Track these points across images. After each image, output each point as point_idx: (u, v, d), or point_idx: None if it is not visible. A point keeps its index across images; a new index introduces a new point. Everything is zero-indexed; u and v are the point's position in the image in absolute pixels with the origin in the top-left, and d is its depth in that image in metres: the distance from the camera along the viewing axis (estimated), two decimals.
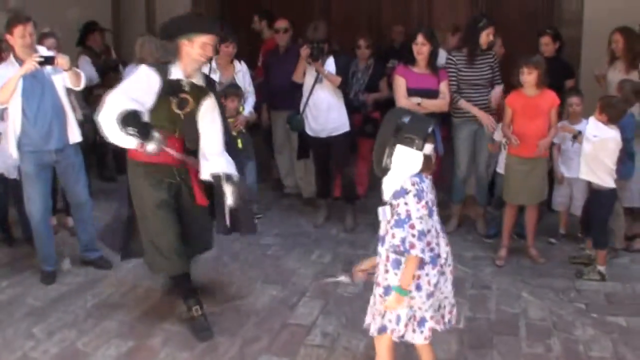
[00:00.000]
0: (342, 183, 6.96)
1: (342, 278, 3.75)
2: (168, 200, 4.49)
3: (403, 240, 3.23)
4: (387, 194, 3.39)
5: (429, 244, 3.33)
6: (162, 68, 4.32)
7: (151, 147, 4.10)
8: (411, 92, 5.89)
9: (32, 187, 5.39)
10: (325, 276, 4.68)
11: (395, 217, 3.29)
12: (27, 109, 5.24)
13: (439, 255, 3.42)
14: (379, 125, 7.12)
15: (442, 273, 3.45)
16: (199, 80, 4.45)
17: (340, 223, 6.82)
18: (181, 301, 4.74)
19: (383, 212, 3.39)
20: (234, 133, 6.41)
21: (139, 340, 4.54)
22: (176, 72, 4.32)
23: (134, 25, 10.27)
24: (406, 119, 3.33)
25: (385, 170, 3.38)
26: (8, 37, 5.22)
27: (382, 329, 3.54)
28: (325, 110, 6.46)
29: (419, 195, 3.26)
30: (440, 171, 6.77)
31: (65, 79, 5.36)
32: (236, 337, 4.52)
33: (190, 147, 4.53)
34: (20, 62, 5.17)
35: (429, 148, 3.32)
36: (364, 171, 7.27)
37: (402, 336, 3.50)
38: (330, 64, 6.45)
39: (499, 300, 5.06)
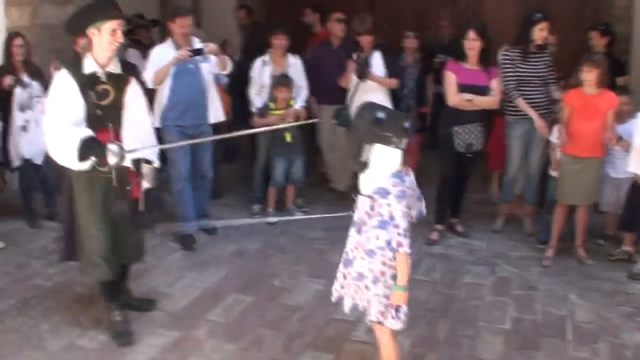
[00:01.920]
0: None
1: None
2: (100, 201, 4.29)
3: (388, 242, 3.31)
4: (365, 190, 3.43)
5: (408, 231, 3.38)
6: (74, 65, 4.19)
7: (113, 161, 4.00)
8: (462, 88, 5.83)
9: (176, 153, 6.11)
10: None
11: (378, 218, 3.34)
12: (176, 88, 6.03)
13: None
14: (426, 120, 7.12)
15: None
16: (116, 68, 4.29)
17: None
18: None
19: (362, 202, 3.47)
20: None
21: (184, 330, 4.57)
22: (90, 65, 4.17)
23: None
24: (381, 115, 3.34)
25: (364, 166, 3.40)
26: (170, 24, 6.12)
27: (354, 308, 3.63)
28: None
29: (400, 196, 3.30)
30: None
31: (213, 65, 6.17)
32: (281, 331, 4.52)
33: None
34: (176, 46, 6.01)
35: (404, 143, 3.35)
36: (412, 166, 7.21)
37: (382, 322, 3.55)
38: (376, 58, 6.46)
39: (545, 302, 4.99)
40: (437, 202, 6.25)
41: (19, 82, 6.31)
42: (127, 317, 4.56)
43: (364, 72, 6.34)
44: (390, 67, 6.52)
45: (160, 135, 5.74)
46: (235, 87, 7.41)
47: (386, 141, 3.31)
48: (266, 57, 6.78)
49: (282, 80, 6.55)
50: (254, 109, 6.76)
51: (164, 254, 5.88)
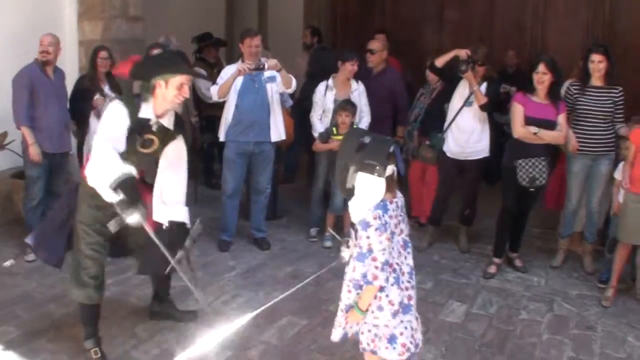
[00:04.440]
0: (464, 204, 6.88)
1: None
2: (105, 227, 4.26)
3: (364, 275, 3.31)
4: (355, 218, 3.39)
5: (390, 265, 3.35)
6: (133, 104, 4.18)
7: (131, 219, 3.96)
8: (528, 121, 5.78)
9: (229, 169, 6.56)
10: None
11: (357, 249, 3.32)
12: (240, 105, 6.37)
13: (403, 272, 3.46)
14: None
15: (403, 289, 3.45)
16: (169, 122, 4.30)
17: (444, 250, 6.80)
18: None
19: (353, 235, 3.45)
20: None
21: (237, 350, 4.60)
22: (146, 111, 4.18)
23: None
24: (366, 140, 3.30)
25: (350, 193, 3.38)
26: (240, 45, 6.47)
27: (343, 337, 3.65)
28: (468, 133, 6.42)
29: (380, 229, 3.27)
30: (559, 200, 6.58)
31: (279, 84, 6.42)
32: (334, 357, 4.52)
33: (148, 181, 4.38)
34: None
35: (390, 170, 3.30)
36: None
37: (375, 352, 3.53)
38: (482, 89, 6.37)
39: (603, 343, 4.89)
40: (496, 235, 6.21)
41: (101, 92, 6.60)
42: (105, 355, 4.47)
43: (465, 68, 6.25)
44: (489, 94, 6.37)
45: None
46: (298, 110, 7.45)
47: (369, 169, 3.26)
48: (330, 82, 6.82)
49: (345, 105, 6.55)
50: (315, 134, 6.80)
51: (220, 271, 5.93)
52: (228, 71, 6.41)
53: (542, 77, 5.74)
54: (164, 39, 7.73)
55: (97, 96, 6.54)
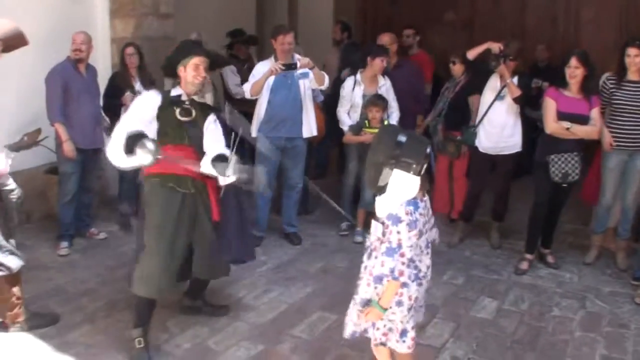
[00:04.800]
0: (496, 200, 6.82)
1: None
2: (175, 220, 4.36)
3: (392, 270, 3.30)
4: (380, 213, 3.42)
5: (412, 262, 3.36)
6: (164, 90, 4.62)
7: (145, 157, 4.04)
8: (561, 116, 5.72)
9: (261, 165, 6.24)
10: None
11: (387, 245, 3.33)
12: (273, 101, 6.45)
13: (420, 270, 3.48)
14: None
15: (419, 284, 3.50)
16: (199, 99, 4.63)
17: (475, 245, 6.77)
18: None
19: (375, 227, 3.46)
20: None
21: (268, 344, 4.62)
22: (176, 91, 4.55)
23: None
24: (402, 138, 3.30)
25: (381, 190, 3.39)
26: (272, 41, 6.48)
27: (353, 335, 3.70)
28: (500, 128, 6.37)
29: (411, 225, 3.29)
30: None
31: (312, 81, 6.46)
32: (365, 352, 4.47)
33: (199, 153, 4.49)
34: (277, 61, 6.38)
35: (423, 169, 3.34)
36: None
37: (384, 343, 3.60)
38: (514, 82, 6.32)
39: (636, 341, 4.82)
40: (528, 230, 6.17)
41: (132, 89, 6.70)
42: (149, 346, 4.47)
43: (497, 62, 6.22)
44: (523, 90, 6.29)
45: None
46: (329, 105, 7.45)
47: (406, 167, 3.28)
48: (358, 77, 6.81)
49: (376, 101, 6.51)
50: (344, 127, 6.79)
51: (252, 266, 5.93)
52: (260, 69, 6.44)
53: (574, 71, 5.67)
54: (195, 36, 7.77)
55: (127, 93, 6.61)
